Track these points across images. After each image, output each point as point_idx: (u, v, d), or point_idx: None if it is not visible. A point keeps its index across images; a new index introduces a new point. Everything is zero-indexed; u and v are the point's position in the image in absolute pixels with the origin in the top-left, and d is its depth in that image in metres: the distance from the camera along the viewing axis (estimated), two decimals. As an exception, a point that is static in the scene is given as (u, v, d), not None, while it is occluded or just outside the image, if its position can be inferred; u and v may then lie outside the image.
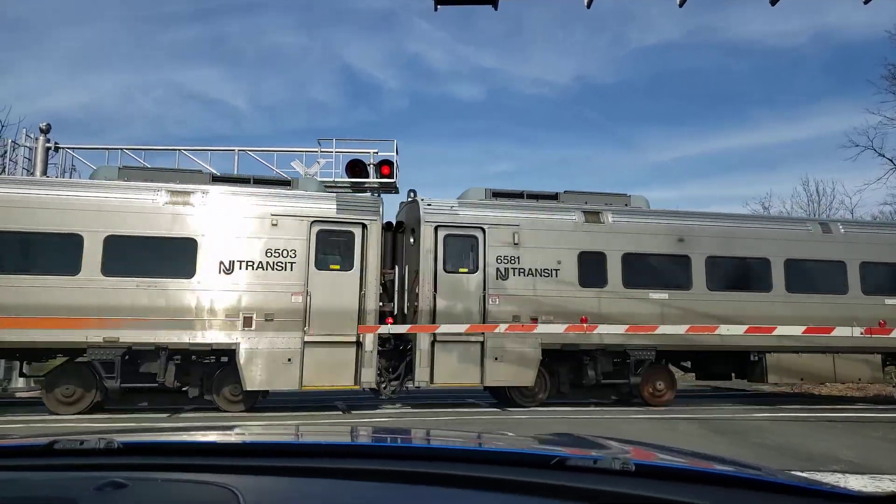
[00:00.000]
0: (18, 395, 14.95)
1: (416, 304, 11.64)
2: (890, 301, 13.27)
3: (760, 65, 54.39)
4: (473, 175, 64.92)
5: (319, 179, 14.49)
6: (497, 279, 11.81)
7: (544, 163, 62.55)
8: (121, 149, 14.85)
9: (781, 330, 12.25)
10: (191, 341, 10.53)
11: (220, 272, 10.75)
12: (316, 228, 11.22)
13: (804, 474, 5.75)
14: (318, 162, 14.76)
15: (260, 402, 11.47)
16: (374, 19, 60.17)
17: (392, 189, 14.84)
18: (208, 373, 11.04)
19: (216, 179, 11.74)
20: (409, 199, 12.62)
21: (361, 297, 11.22)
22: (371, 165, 14.84)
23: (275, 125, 61.61)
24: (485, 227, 11.94)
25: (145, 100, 54.38)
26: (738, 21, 53.58)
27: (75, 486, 1.19)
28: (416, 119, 68.91)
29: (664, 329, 12.02)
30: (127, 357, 10.45)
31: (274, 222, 11.02)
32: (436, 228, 11.79)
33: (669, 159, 58.13)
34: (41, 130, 14.97)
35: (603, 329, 11.90)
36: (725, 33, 53.75)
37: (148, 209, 10.66)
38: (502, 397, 12.56)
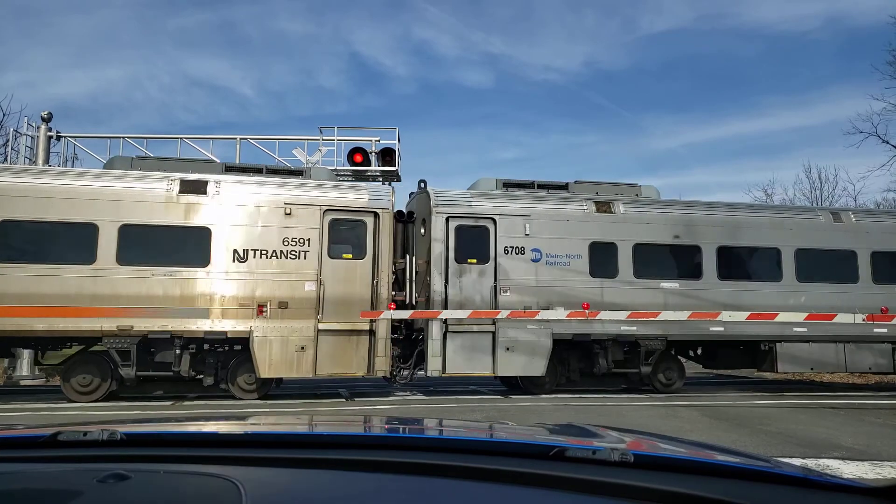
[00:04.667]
0: (23, 383, 15.03)
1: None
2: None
3: (769, 50, 54.06)
4: (480, 163, 64.76)
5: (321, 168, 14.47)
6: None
7: (553, 150, 62.40)
8: (122, 137, 14.83)
9: (784, 317, 12.38)
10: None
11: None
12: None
13: (805, 461, 5.75)
14: (320, 150, 14.71)
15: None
16: (381, 5, 59.88)
17: (394, 177, 14.80)
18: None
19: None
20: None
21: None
22: (373, 153, 14.79)
23: (282, 112, 61.50)
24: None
25: (152, 87, 54.30)
26: (748, 5, 53.14)
27: (78, 478, 1.20)
28: (423, 106, 68.75)
29: (667, 315, 12.12)
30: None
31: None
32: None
33: (678, 145, 57.92)
34: (43, 119, 14.95)
35: (605, 315, 11.96)
36: (735, 18, 53.35)
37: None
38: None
